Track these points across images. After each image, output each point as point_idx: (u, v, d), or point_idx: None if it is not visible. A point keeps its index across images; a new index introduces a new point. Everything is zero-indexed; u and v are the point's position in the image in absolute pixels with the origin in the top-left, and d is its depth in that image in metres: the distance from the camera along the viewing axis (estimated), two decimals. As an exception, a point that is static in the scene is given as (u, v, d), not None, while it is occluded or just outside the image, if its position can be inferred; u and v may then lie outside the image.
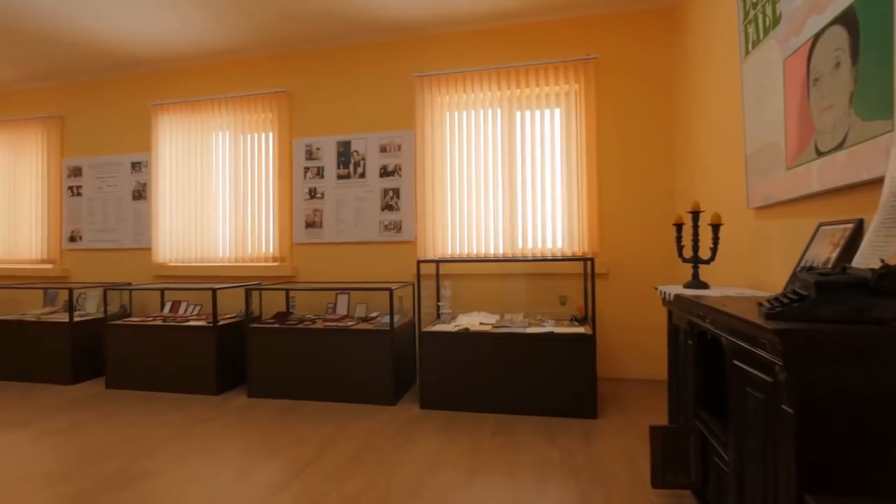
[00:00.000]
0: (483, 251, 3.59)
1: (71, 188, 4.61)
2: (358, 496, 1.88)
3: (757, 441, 1.12)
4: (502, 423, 2.67)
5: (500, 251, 3.56)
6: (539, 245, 3.51)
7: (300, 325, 3.21)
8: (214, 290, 3.35)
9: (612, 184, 3.47)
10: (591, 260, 2.81)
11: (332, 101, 3.95)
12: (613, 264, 3.46)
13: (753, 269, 2.16)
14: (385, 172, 3.80)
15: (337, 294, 3.68)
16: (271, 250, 4.03)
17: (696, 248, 2.06)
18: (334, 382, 3.09)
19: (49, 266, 4.64)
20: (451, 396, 2.88)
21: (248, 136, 4.12)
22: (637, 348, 3.44)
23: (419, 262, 3.02)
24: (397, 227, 3.76)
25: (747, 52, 2.09)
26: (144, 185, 4.39)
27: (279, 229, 3.98)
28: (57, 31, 3.69)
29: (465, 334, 2.88)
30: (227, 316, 3.68)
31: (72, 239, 4.60)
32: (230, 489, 1.96)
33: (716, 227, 1.99)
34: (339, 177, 3.90)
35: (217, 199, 4.18)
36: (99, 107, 4.56)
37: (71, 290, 3.74)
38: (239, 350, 3.51)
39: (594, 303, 2.78)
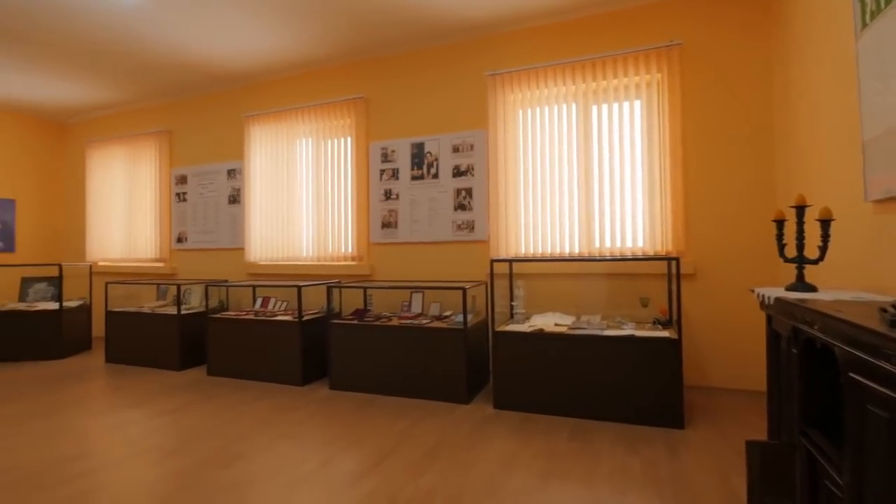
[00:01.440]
0: (558, 250, 3.50)
1: (178, 194, 5.14)
2: (432, 491, 1.91)
3: (879, 465, 0.99)
4: (579, 427, 2.59)
5: (576, 250, 3.45)
6: (618, 244, 3.35)
7: (377, 322, 3.33)
8: (299, 288, 3.57)
9: (700, 177, 3.23)
10: (676, 259, 2.64)
11: (407, 104, 4.05)
12: (701, 264, 3.22)
13: (871, 271, 1.91)
14: (458, 172, 3.83)
15: (411, 293, 3.77)
16: (350, 250, 4.22)
17: (800, 246, 1.86)
18: (409, 378, 3.17)
19: (161, 264, 5.21)
20: (525, 397, 2.84)
21: (329, 142, 4.34)
22: (729, 355, 3.18)
23: (492, 261, 3.01)
24: (470, 226, 3.78)
25: (864, 25, 1.85)
26: (238, 190, 4.79)
27: (357, 230, 4.16)
28: (168, 55, 4.13)
29: (540, 335, 2.83)
30: (311, 312, 3.90)
31: (179, 240, 5.12)
32: (316, 475, 2.08)
33: (825, 223, 1.78)
34: (413, 178, 3.99)
35: (301, 201, 4.45)
36: (200, 120, 5.05)
37: (179, 286, 4.17)
38: (321, 344, 3.72)
39: (679, 305, 2.61)
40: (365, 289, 3.92)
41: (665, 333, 2.67)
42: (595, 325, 2.94)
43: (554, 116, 3.55)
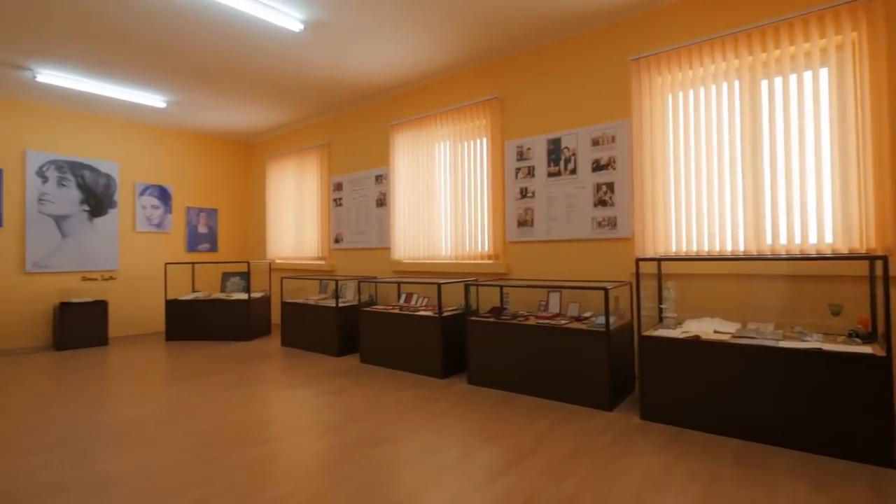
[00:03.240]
0: (717, 248, 3.10)
1: (335, 200, 5.78)
2: (574, 498, 1.84)
3: None
4: (746, 451, 2.26)
5: (741, 248, 3.02)
6: (796, 240, 2.84)
7: (514, 321, 3.33)
8: (439, 285, 3.75)
9: (918, 156, 2.57)
10: (884, 258, 2.14)
11: (542, 100, 3.97)
12: (920, 265, 2.57)
13: None
14: (598, 167, 3.64)
15: (549, 292, 3.69)
16: (486, 248, 4.29)
17: None
18: (547, 379, 3.11)
19: (322, 262, 5.92)
20: (677, 410, 2.58)
21: (465, 144, 4.47)
22: (964, 381, 2.47)
23: (638, 260, 2.79)
24: (612, 223, 3.56)
25: None
26: (385, 194, 5.21)
27: (493, 228, 4.21)
28: (327, 77, 4.67)
29: (696, 342, 2.54)
30: (450, 308, 4.06)
31: (336, 241, 5.76)
32: (457, 465, 2.15)
33: None
34: (550, 175, 3.90)
35: (440, 203, 4.66)
36: (353, 132, 5.60)
37: (336, 282, 4.69)
38: (460, 340, 3.85)
39: (888, 316, 2.11)
40: (501, 287, 3.94)
41: (867, 349, 2.19)
42: (767, 335, 2.54)
43: (711, 97, 3.15)
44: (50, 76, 4.47)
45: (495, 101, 4.22)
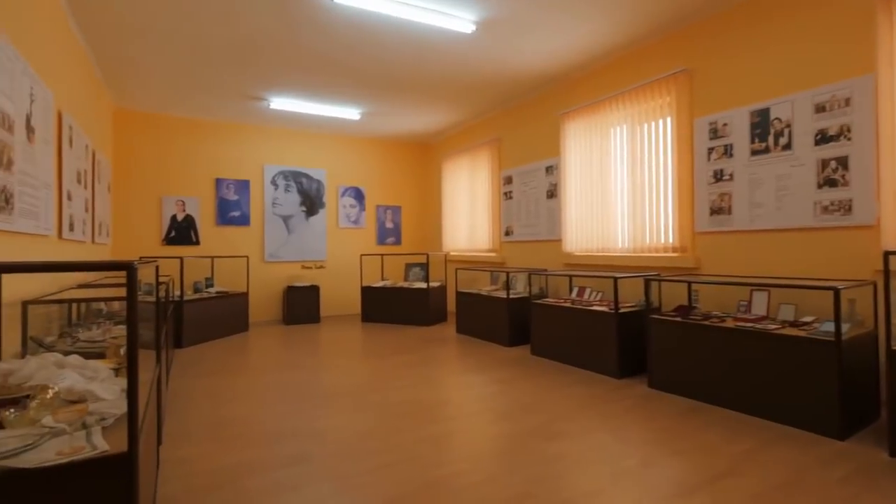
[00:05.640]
0: None
1: (505, 193, 5.88)
2: (791, 538, 1.54)
3: None
4: None
5: None
6: None
7: (706, 322, 2.93)
8: (616, 279, 3.51)
9: None
10: None
11: (742, 66, 3.38)
12: None
13: None
14: (823, 138, 2.95)
15: (752, 290, 3.15)
16: (670, 240, 3.86)
17: None
18: (750, 392, 2.66)
19: (493, 254, 6.09)
20: (951, 453, 1.95)
21: (644, 126, 4.08)
22: None
23: (886, 253, 2.18)
24: (844, 207, 2.85)
25: None
26: (555, 185, 5.09)
27: (679, 218, 3.77)
28: (496, 73, 4.76)
29: None
30: (626, 304, 3.78)
31: (507, 233, 5.86)
32: (637, 474, 2.00)
33: None
34: (754, 153, 3.31)
35: (615, 191, 4.36)
36: (522, 125, 5.60)
37: (507, 273, 4.78)
38: (638, 339, 3.56)
39: None
40: (689, 283, 3.51)
41: None
42: None
43: None
44: (279, 103, 5.51)
45: (682, 74, 3.75)
